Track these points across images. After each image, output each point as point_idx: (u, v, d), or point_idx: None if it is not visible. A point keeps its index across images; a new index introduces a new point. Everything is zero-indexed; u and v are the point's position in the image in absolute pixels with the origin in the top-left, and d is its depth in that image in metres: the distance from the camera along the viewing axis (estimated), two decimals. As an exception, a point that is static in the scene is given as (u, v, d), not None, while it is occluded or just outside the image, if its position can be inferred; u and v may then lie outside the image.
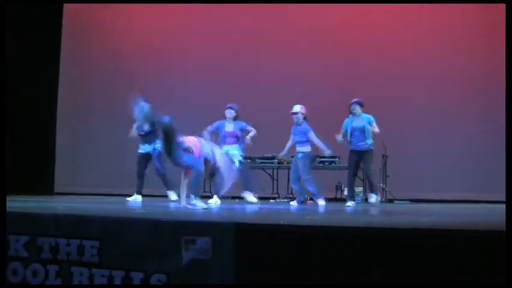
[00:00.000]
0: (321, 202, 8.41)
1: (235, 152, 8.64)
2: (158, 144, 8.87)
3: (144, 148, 9.09)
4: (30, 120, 12.05)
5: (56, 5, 12.77)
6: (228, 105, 8.91)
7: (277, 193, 10.84)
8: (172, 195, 8.87)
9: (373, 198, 8.42)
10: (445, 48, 11.13)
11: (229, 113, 8.84)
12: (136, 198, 8.92)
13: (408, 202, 9.84)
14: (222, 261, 3.64)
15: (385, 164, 10.34)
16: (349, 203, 8.45)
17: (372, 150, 8.47)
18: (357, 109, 8.45)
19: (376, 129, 8.37)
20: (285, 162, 10.67)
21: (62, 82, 12.90)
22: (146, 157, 9.07)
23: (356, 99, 8.52)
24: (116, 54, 12.72)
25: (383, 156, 10.32)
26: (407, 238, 3.40)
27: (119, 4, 12.65)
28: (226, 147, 8.53)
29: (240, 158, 8.72)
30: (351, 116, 8.52)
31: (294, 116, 8.63)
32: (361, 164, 8.57)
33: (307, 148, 8.60)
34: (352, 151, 8.49)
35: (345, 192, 9.91)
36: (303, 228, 3.78)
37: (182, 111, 11.13)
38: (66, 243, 4.08)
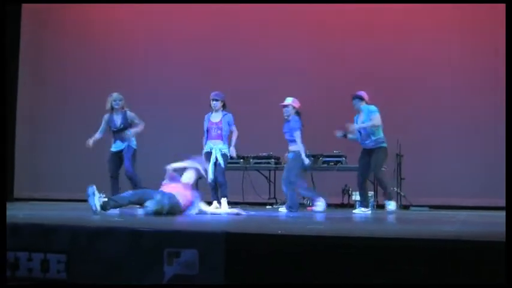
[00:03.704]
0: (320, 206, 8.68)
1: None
2: (134, 142, 8.98)
3: (116, 146, 9.07)
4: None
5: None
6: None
7: (274, 198, 10.84)
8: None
9: (391, 205, 8.28)
10: (470, 46, 11.18)
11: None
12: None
13: (427, 208, 9.86)
14: (209, 277, 3.63)
15: (399, 165, 10.37)
16: (357, 210, 8.42)
17: (381, 147, 8.29)
18: (357, 104, 8.40)
19: (370, 123, 8.19)
20: (283, 163, 10.68)
21: (22, 78, 12.96)
22: (118, 156, 9.05)
23: (354, 94, 8.45)
24: (82, 50, 12.92)
25: (397, 155, 10.35)
26: (424, 250, 3.40)
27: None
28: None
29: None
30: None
31: (284, 108, 8.70)
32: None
33: (296, 147, 8.68)
34: (362, 150, 8.51)
35: (353, 197, 9.96)
36: (304, 239, 3.77)
37: (158, 107, 11.39)
38: (28, 257, 4.06)
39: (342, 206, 10.35)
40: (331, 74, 11.48)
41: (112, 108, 9.00)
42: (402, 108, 11.15)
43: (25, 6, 13.11)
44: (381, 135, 8.32)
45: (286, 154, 8.86)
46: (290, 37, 11.86)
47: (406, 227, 5.45)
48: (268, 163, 10.69)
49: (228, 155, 8.63)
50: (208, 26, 12.28)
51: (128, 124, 8.95)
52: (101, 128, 9.10)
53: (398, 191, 10.24)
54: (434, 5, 11.17)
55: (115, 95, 9.05)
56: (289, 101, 8.69)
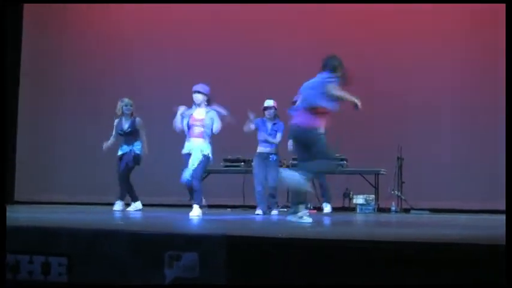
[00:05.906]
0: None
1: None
2: (137, 146, 9.10)
3: (122, 149, 9.20)
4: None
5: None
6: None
7: (276, 203, 10.80)
8: (118, 206, 9.10)
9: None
10: (470, 46, 11.18)
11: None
12: (137, 206, 9.15)
13: (428, 212, 9.86)
14: (210, 280, 3.64)
15: (400, 168, 10.37)
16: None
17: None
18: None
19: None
20: (284, 165, 10.68)
21: (24, 80, 13.00)
22: (122, 158, 9.14)
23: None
24: (83, 51, 12.98)
25: (398, 158, 10.36)
26: (423, 253, 3.41)
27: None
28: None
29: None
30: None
31: (268, 110, 9.07)
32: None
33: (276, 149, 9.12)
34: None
35: (354, 201, 9.96)
36: (305, 242, 3.78)
37: (158, 106, 11.38)
38: (29, 260, 4.05)
39: (343, 209, 10.34)
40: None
41: (122, 113, 9.15)
42: (403, 111, 11.17)
43: (27, 7, 13.14)
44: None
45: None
46: (295, 37, 11.84)
47: (406, 231, 5.46)
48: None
49: (211, 157, 7.73)
50: (210, 26, 12.30)
51: (134, 130, 9.14)
52: (113, 134, 9.28)
53: (399, 194, 10.24)
54: (435, 5, 11.16)
55: (126, 100, 9.23)
56: (271, 103, 9.06)
